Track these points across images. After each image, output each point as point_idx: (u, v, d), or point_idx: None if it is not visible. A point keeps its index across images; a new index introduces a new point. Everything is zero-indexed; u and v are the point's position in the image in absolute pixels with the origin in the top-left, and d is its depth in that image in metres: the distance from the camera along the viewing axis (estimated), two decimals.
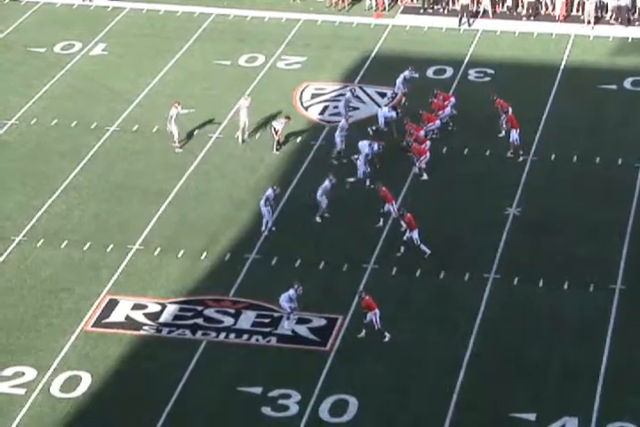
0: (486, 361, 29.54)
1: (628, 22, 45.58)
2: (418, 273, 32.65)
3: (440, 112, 38.35)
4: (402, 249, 33.01)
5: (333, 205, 34.84)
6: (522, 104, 38.97)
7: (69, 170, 37.24)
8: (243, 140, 38.45)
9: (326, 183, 34.47)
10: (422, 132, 37.18)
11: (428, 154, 36.39)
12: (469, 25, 46.03)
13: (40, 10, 47.64)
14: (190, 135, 39.10)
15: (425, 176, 36.50)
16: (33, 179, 36.71)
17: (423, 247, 32.76)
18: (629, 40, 45.11)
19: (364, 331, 30.05)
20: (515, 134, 37.15)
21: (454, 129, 38.53)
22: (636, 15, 46.20)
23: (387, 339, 29.86)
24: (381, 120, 38.33)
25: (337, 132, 37.33)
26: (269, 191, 34.02)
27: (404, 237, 33.01)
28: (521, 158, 37.42)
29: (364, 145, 36.38)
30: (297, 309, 30.52)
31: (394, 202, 34.24)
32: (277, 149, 37.76)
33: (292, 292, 30.40)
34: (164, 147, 38.52)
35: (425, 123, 37.68)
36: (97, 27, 46.24)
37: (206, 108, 40.42)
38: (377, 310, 29.74)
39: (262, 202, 33.90)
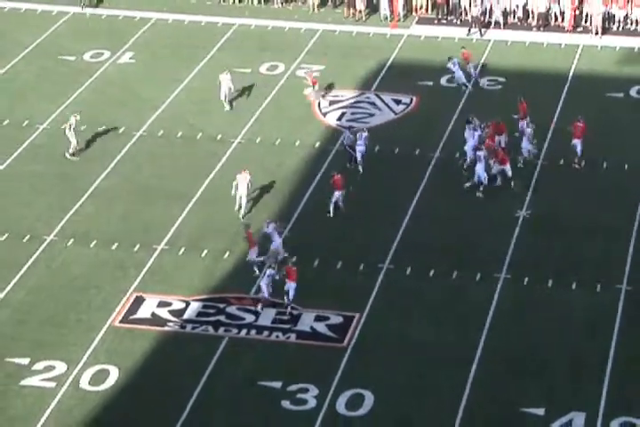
0: (497, 358, 29.55)
1: None
2: (431, 273, 32.66)
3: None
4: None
5: (350, 207, 34.94)
6: (532, 111, 38.85)
7: (98, 173, 37.33)
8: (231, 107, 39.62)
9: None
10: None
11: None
12: (481, 35, 46.03)
13: (71, 20, 47.77)
14: (214, 140, 39.15)
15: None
16: (63, 181, 36.77)
17: None
18: (635, 50, 45.11)
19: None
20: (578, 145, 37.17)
21: None
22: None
23: None
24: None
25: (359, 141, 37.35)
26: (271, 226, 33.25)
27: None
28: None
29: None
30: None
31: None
32: None
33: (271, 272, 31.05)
34: (188, 151, 38.66)
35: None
36: (124, 36, 46.36)
37: (228, 114, 40.46)
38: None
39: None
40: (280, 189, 36.54)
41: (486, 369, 29.18)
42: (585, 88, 42.00)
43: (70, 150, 37.97)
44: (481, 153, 36.39)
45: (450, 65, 41.57)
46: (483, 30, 46.13)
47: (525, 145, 37.41)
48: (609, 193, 36.25)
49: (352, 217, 34.88)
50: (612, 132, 39.48)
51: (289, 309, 31.10)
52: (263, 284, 31.23)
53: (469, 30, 46.07)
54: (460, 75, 41.23)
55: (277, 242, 32.83)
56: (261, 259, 32.44)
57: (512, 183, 36.33)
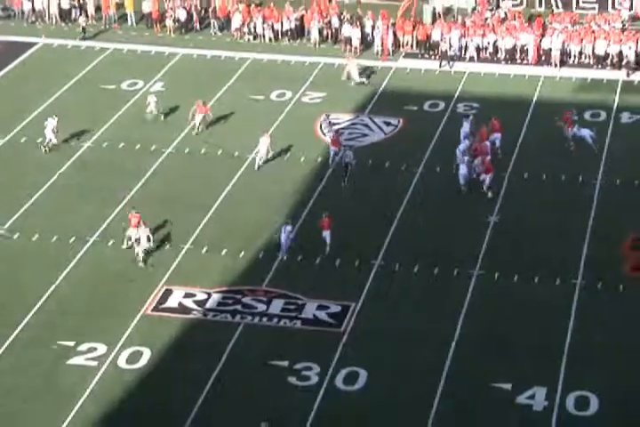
0: (471, 341, 29.56)
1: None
2: (416, 269, 32.65)
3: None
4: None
5: (348, 213, 34.90)
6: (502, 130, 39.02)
7: (133, 184, 37.31)
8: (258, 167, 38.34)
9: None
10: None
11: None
12: (450, 68, 45.97)
13: (110, 54, 47.82)
14: (231, 156, 39.08)
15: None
16: (104, 191, 36.76)
17: None
18: (588, 80, 45.08)
19: None
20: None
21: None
22: (592, 60, 46.03)
23: None
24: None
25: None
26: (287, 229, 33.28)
27: None
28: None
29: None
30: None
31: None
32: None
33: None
34: (210, 166, 38.65)
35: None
36: (156, 68, 46.37)
37: (244, 133, 40.48)
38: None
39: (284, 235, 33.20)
40: (288, 195, 36.47)
41: (462, 351, 29.20)
42: (546, 112, 41.87)
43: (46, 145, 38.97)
44: (466, 157, 36.60)
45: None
46: (457, 63, 46.02)
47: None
48: (566, 200, 36.23)
49: (349, 221, 34.79)
50: (568, 150, 39.33)
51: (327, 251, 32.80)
52: (283, 239, 32.71)
53: (440, 64, 46.03)
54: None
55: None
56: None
57: (489, 193, 36.29)
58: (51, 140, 39.20)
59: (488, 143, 37.82)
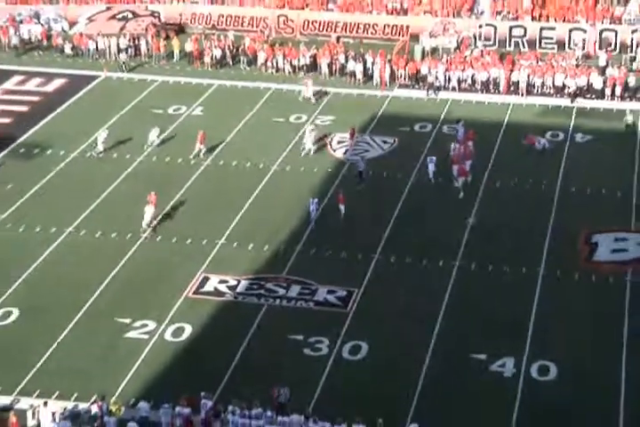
0: (453, 319, 29.51)
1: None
2: (408, 261, 32.58)
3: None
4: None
5: (352, 214, 34.83)
6: (478, 149, 38.82)
7: (177, 190, 37.26)
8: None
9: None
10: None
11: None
12: (436, 95, 45.75)
13: (159, 85, 47.78)
14: (258, 167, 39.00)
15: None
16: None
17: None
18: (549, 107, 44.87)
19: None
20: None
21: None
22: (552, 90, 45.87)
23: None
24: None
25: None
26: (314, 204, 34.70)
27: None
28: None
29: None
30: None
31: None
32: None
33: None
34: (240, 174, 38.53)
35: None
36: (196, 96, 46.26)
37: (267, 149, 40.45)
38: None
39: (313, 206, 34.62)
40: (303, 198, 36.20)
41: (446, 327, 29.16)
42: (514, 133, 41.79)
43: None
44: (433, 157, 37.67)
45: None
46: (441, 93, 45.82)
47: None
48: (531, 204, 36.07)
49: (353, 221, 34.76)
50: (532, 162, 39.23)
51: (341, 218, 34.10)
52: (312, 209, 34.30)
53: (427, 92, 45.87)
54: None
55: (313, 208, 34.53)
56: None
57: (461, 193, 36.51)
58: (100, 149, 39.61)
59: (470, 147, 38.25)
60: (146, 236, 33.83)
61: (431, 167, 37.66)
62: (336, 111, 44.12)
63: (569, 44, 49.76)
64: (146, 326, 29.19)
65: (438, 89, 46.06)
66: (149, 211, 34.31)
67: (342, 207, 34.83)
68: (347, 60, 48.27)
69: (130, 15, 53.19)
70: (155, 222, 34.51)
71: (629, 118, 42.45)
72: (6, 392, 26.44)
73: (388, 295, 30.71)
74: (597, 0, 51.78)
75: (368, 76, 47.54)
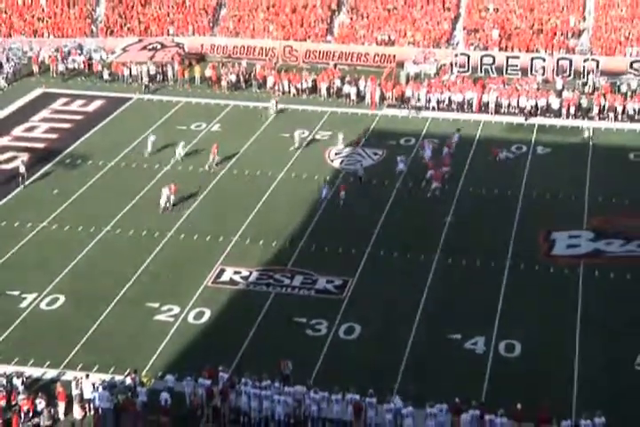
0: (434, 304, 29.44)
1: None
2: (395, 255, 32.51)
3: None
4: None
5: (346, 214, 34.75)
6: (455, 161, 38.76)
7: (198, 194, 37.08)
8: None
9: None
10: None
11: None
12: (418, 115, 45.49)
13: (182, 105, 47.59)
14: (266, 175, 38.83)
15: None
16: (178, 198, 36.51)
17: None
18: (514, 124, 44.75)
19: None
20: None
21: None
22: (516, 110, 45.75)
23: None
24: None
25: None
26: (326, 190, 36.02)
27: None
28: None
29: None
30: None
31: None
32: None
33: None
34: (251, 181, 38.35)
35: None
36: (214, 114, 46.09)
37: (275, 159, 40.32)
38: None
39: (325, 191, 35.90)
40: (306, 201, 36.30)
41: (427, 311, 29.11)
42: (485, 146, 41.74)
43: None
44: (403, 157, 38.69)
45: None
46: (423, 112, 45.65)
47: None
48: (498, 208, 35.99)
49: (348, 220, 34.72)
50: (500, 172, 39.21)
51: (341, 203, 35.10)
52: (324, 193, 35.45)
53: (409, 112, 45.69)
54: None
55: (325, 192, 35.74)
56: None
57: (433, 193, 36.55)
58: (149, 150, 40.07)
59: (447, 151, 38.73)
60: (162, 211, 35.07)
61: (401, 166, 38.16)
62: (334, 127, 44.04)
63: (531, 70, 49.63)
64: (171, 310, 29.15)
65: (420, 109, 45.94)
66: (165, 193, 35.24)
67: (342, 193, 35.58)
68: (342, 84, 48.22)
69: (159, 46, 53.09)
70: (169, 205, 35.35)
71: (586, 133, 42.34)
72: (54, 366, 26.44)
73: (378, 284, 30.64)
74: (555, 34, 51.72)
75: (361, 98, 47.45)
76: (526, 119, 44.80)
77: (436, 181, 36.91)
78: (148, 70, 50.34)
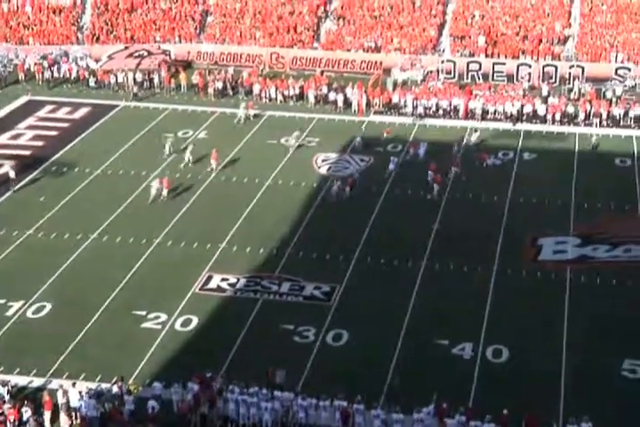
0: (421, 310, 29.52)
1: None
2: (382, 261, 32.61)
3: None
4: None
5: (333, 221, 34.83)
6: (442, 165, 38.89)
7: (185, 201, 37.08)
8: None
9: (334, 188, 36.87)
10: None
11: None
12: (420, 122, 45.39)
13: (170, 112, 47.61)
14: (254, 181, 38.93)
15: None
16: (165, 206, 36.50)
17: None
18: (500, 130, 44.95)
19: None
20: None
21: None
22: (502, 116, 46.04)
23: None
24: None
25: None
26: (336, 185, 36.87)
27: None
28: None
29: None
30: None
31: None
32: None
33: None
34: (239, 188, 38.33)
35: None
36: (201, 121, 46.19)
37: (263, 165, 40.42)
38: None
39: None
40: (294, 207, 36.44)
41: (414, 317, 29.19)
42: (472, 151, 41.92)
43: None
44: (395, 158, 39.57)
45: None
46: (410, 118, 45.92)
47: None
48: (485, 213, 36.00)
49: (335, 226, 34.75)
50: (489, 176, 39.22)
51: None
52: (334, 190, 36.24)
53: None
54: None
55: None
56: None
57: (434, 196, 36.94)
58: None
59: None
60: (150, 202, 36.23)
61: (391, 166, 38.81)
62: (320, 134, 44.15)
63: (517, 77, 49.98)
64: (159, 317, 29.16)
65: (422, 117, 45.98)
66: (155, 186, 36.41)
67: (348, 189, 36.70)
68: (329, 91, 48.40)
69: (145, 53, 53.19)
70: (163, 198, 36.43)
71: (594, 140, 42.48)
72: (41, 374, 26.41)
73: (366, 291, 30.72)
74: (541, 40, 52.13)
75: (347, 105, 47.62)
76: (514, 124, 45.06)
77: (437, 185, 37.16)
78: (135, 78, 50.40)
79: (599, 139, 42.69)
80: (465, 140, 42.04)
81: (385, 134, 43.38)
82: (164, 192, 36.72)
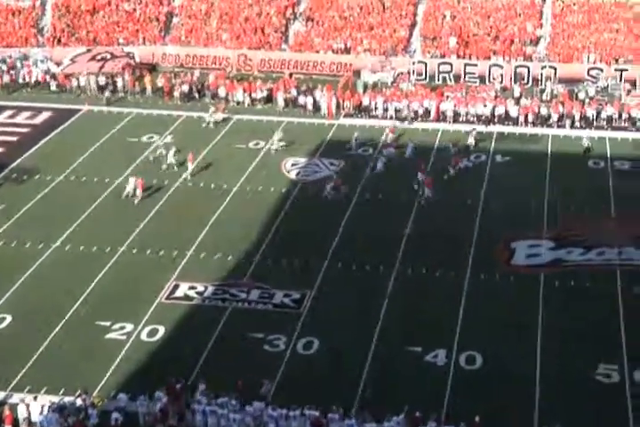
0: (393, 316, 29.60)
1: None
2: (354, 267, 32.63)
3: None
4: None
5: (302, 226, 34.85)
6: (410, 169, 39.17)
7: (150, 208, 36.95)
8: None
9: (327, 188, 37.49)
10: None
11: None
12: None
13: (134, 116, 47.49)
14: (221, 188, 38.86)
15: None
16: (128, 215, 36.40)
17: None
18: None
19: None
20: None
21: None
22: (474, 118, 46.39)
23: None
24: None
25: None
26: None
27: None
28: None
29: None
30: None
31: None
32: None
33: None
34: (206, 194, 38.30)
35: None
36: (166, 125, 46.05)
37: (231, 170, 40.36)
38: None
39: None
40: (263, 213, 36.40)
41: (386, 324, 29.25)
42: (443, 154, 42.09)
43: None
44: (383, 157, 40.60)
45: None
46: (380, 121, 45.97)
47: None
48: (458, 217, 36.29)
49: (304, 233, 34.72)
50: (460, 179, 39.54)
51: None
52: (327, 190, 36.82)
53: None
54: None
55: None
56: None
57: (425, 200, 37.15)
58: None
59: None
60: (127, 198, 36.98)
61: (379, 166, 39.71)
62: (290, 137, 44.16)
63: (489, 78, 50.37)
64: (124, 328, 28.98)
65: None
66: (132, 182, 37.15)
67: (343, 188, 37.34)
68: (298, 94, 48.47)
69: (108, 56, 52.96)
70: (137, 196, 37.09)
71: (586, 142, 42.70)
72: (1, 388, 26.12)
73: (337, 297, 30.74)
74: (512, 41, 52.61)
75: (317, 107, 47.71)
76: (487, 126, 45.38)
77: (428, 188, 37.22)
78: (97, 81, 50.19)
79: (591, 142, 42.78)
80: (474, 133, 42.69)
81: (389, 134, 43.43)
82: (138, 192, 37.07)
